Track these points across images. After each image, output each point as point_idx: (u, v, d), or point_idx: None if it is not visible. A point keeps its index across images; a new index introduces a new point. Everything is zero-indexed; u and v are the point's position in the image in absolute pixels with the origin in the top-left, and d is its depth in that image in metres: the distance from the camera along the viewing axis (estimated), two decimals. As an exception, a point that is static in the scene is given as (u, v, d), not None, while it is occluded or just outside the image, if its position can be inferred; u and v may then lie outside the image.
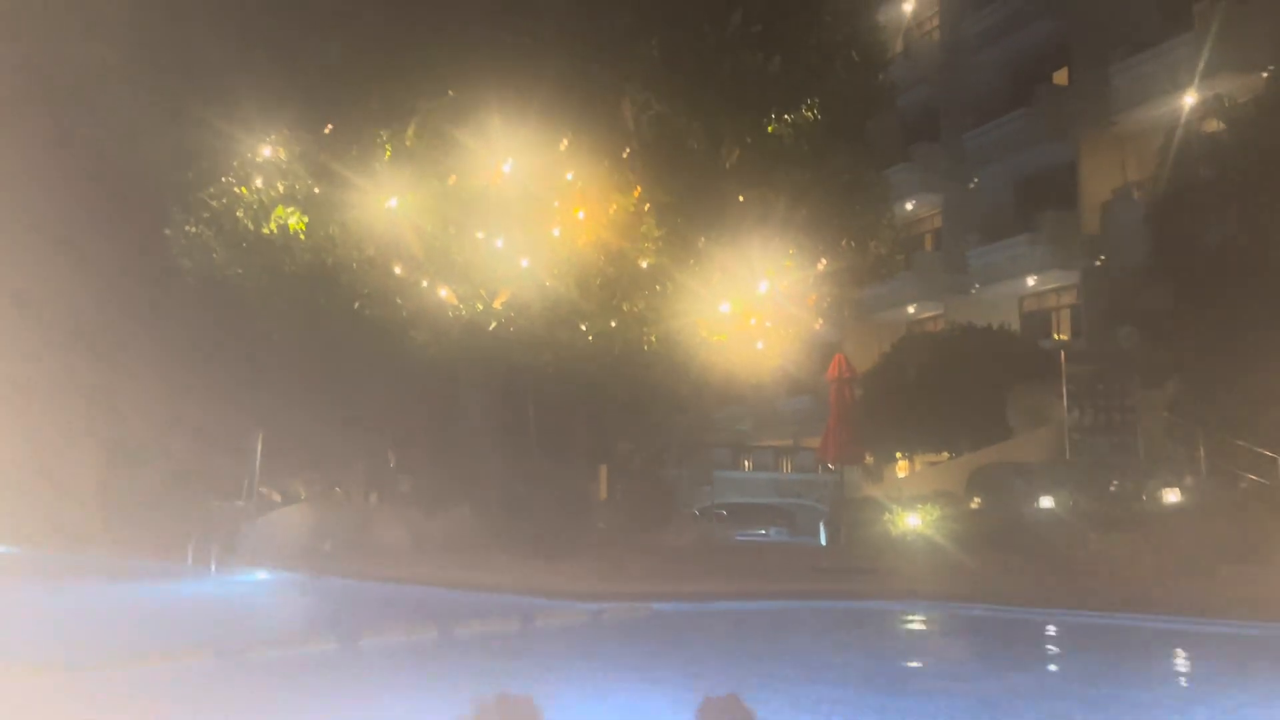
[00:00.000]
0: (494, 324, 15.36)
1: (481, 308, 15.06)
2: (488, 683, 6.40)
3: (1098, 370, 16.15)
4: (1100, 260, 24.42)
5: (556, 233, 14.39)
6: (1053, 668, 8.18)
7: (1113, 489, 14.51)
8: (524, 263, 14.44)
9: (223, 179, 15.29)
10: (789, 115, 16.29)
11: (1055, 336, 28.01)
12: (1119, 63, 24.71)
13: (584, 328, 15.90)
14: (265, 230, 15.22)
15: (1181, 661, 8.23)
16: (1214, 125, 18.76)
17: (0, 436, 26.19)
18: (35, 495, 26.22)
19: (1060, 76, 28.96)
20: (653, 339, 16.14)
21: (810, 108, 16.44)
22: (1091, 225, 26.11)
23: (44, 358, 25.98)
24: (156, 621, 10.08)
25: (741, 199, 15.53)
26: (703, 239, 15.32)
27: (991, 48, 30.24)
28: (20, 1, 19.01)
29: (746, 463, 34.51)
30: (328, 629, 8.84)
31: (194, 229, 15.89)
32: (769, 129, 16.09)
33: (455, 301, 15.14)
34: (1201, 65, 21.24)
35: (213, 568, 13.85)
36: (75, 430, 26.71)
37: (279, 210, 15.07)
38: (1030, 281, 28.47)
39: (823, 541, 20.22)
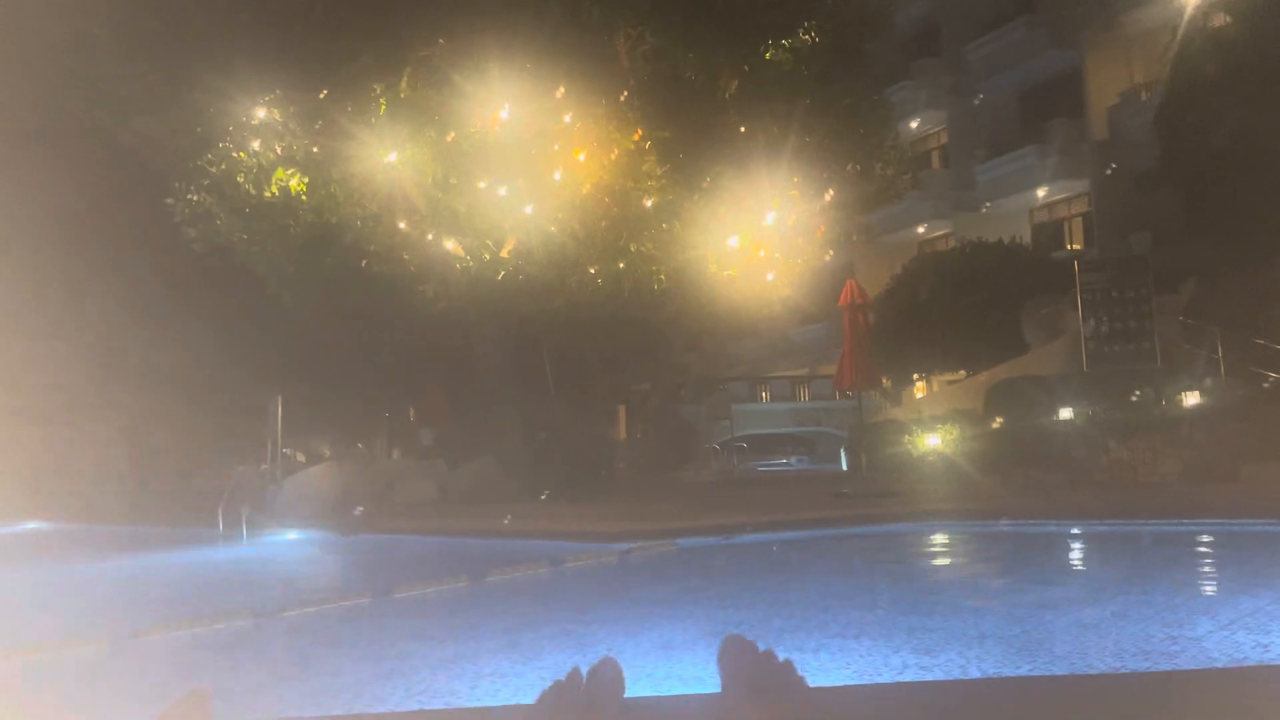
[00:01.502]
0: (502, 273, 15.32)
1: (489, 258, 15.02)
2: (520, 626, 6.51)
3: (1112, 278, 16.02)
4: (1111, 168, 24.09)
5: (558, 177, 14.28)
6: (1079, 578, 8.25)
7: (1134, 398, 14.48)
8: (528, 210, 14.36)
9: (220, 144, 15.19)
10: (786, 41, 16.02)
11: (1067, 247, 27.78)
12: (1121, -39, 24.11)
13: (592, 271, 15.86)
14: (267, 194, 15.16)
15: (1207, 563, 8.29)
16: (1220, 20, 18.33)
17: (25, 418, 26.52)
18: (62, 472, 26.66)
19: (1061, -20, 28.28)
20: (662, 277, 16.10)
21: (808, 31, 16.16)
22: (1100, 132, 25.74)
23: (58, 337, 26.17)
24: (193, 586, 10.28)
25: (743, 130, 15.36)
26: (706, 173, 15.18)
27: (989, -45, 29.56)
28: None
29: (764, 394, 34.60)
30: (361, 584, 9.00)
31: (195, 197, 15.84)
32: (767, 56, 15.85)
33: (462, 253, 15.10)
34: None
35: (243, 531, 14.05)
36: (97, 406, 27.04)
37: (279, 173, 14.99)
38: (1040, 193, 28.18)
39: (844, 467, 20.34)
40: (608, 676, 3.02)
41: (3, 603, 9.50)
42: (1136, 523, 10.06)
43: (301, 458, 28.29)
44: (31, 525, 21.36)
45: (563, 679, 2.97)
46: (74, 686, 5.55)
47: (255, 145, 15.07)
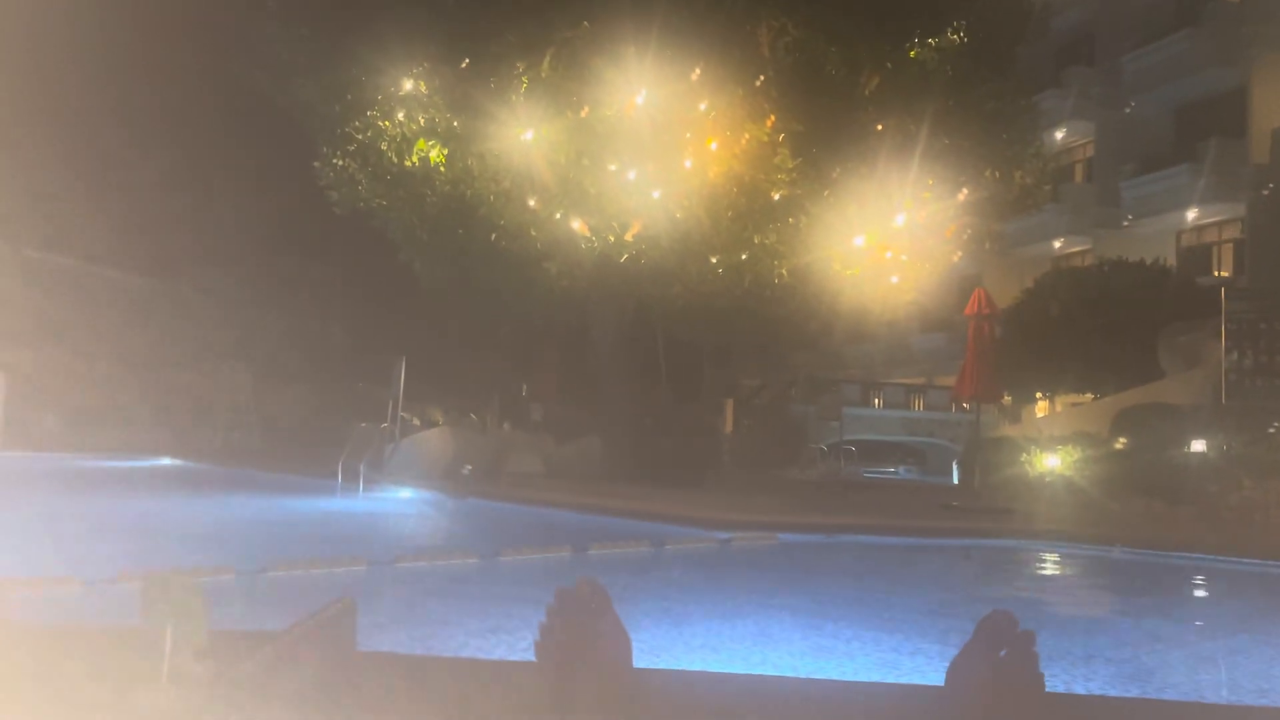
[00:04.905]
0: (625, 256, 15.49)
1: (613, 240, 15.21)
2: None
3: (1261, 309, 15.17)
4: (1268, 189, 22.76)
5: (688, 164, 14.35)
6: (1197, 610, 7.92)
7: (1272, 430, 13.72)
8: (655, 194, 14.48)
9: (368, 113, 15.80)
10: (933, 40, 15.69)
11: (1215, 273, 26.42)
12: (1301, -25, 22.72)
13: (714, 260, 15.88)
14: (408, 163, 15.69)
15: (1340, 613, 7.84)
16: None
17: (165, 359, 28.16)
18: (194, 414, 28.20)
19: (1232, -8, 26.84)
20: (784, 272, 16.01)
21: (956, 31, 15.79)
22: (1260, 154, 24.32)
23: (198, 287, 27.68)
24: (312, 529, 10.79)
25: (880, 127, 15.12)
26: (838, 169, 15.02)
27: (1155, -38, 28.25)
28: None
29: (877, 400, 34.00)
30: (469, 544, 9.29)
31: (341, 161, 16.52)
32: (911, 54, 15.55)
33: (587, 234, 15.32)
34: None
35: (360, 484, 14.60)
36: (230, 355, 28.52)
37: (420, 143, 15.49)
38: (1190, 215, 26.86)
39: (955, 481, 19.88)
40: (588, 594, 3.28)
41: (137, 529, 10.16)
42: (1265, 563, 9.57)
43: (416, 422, 29.18)
44: (165, 461, 22.67)
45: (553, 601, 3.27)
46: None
47: (400, 116, 15.62)
